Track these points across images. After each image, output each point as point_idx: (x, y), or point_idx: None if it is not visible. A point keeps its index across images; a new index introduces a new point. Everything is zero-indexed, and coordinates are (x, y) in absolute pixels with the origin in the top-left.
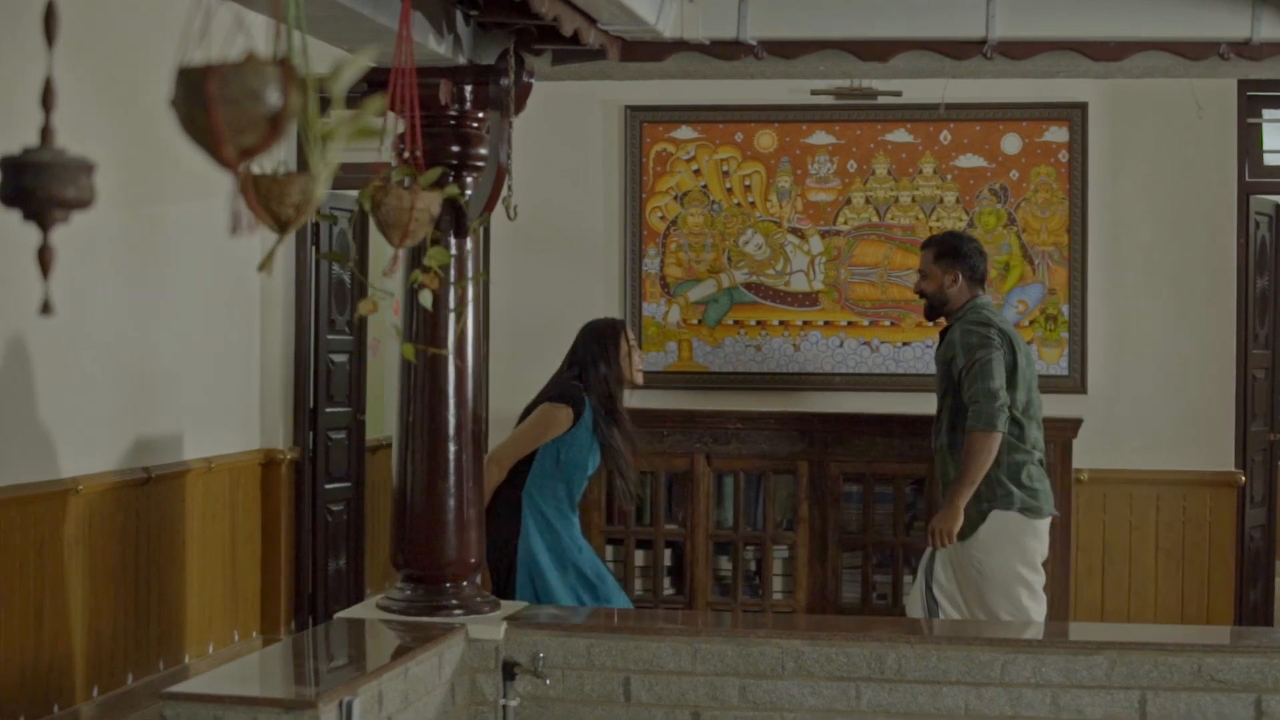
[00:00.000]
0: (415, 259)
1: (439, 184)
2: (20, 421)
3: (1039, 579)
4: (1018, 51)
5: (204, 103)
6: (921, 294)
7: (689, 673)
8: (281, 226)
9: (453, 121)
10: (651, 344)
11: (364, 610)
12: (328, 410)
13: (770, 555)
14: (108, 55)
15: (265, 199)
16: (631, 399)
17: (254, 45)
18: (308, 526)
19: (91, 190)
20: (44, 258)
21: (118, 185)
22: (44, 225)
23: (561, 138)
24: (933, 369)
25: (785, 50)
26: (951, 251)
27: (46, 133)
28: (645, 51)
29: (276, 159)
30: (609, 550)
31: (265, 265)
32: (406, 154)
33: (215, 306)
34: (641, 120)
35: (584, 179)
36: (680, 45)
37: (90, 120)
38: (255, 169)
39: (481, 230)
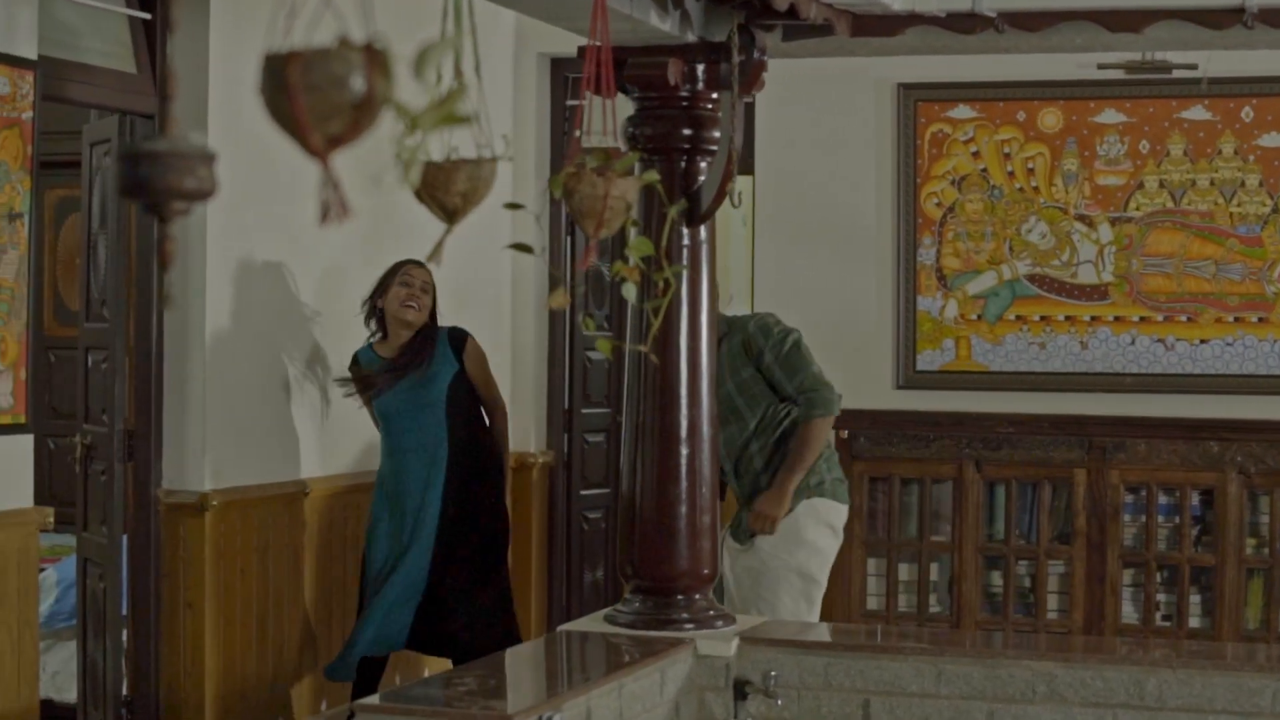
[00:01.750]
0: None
1: (635, 170)
2: (244, 422)
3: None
4: None
5: (287, 90)
6: None
7: (933, 695)
8: (449, 216)
9: (684, 103)
10: (927, 341)
11: (590, 623)
12: (584, 411)
13: (1044, 570)
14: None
15: (431, 187)
16: (898, 400)
17: (345, 27)
18: (561, 535)
19: (213, 181)
20: (164, 250)
21: (357, 174)
22: (163, 217)
23: (830, 119)
24: (1229, 368)
25: (1027, 22)
26: None
27: (165, 121)
28: (876, 26)
29: (447, 146)
30: (870, 563)
31: (434, 255)
32: (630, 134)
33: (462, 302)
34: (916, 99)
35: (854, 163)
36: (914, 19)
37: None
38: (422, 156)
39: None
